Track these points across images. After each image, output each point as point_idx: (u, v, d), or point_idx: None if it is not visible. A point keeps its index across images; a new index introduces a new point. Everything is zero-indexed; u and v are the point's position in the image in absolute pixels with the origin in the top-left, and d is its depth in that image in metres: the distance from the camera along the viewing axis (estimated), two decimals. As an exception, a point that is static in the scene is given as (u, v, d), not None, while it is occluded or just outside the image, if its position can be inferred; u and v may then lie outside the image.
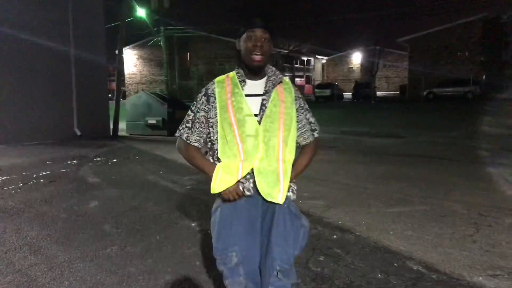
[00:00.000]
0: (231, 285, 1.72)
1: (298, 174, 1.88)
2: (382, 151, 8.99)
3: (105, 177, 6.35)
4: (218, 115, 1.77)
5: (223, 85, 1.82)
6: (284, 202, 1.75)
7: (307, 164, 1.92)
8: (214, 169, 1.78)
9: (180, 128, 1.89)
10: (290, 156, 1.81)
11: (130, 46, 41.23)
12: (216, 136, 1.80)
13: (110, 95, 19.82)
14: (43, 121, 10.35)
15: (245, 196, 1.75)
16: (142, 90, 25.82)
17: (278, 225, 1.72)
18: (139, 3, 22.13)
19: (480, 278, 2.91)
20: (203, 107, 1.84)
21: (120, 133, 12.49)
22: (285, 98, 1.82)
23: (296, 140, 1.88)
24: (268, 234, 1.72)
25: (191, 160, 1.88)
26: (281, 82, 1.85)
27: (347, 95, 38.85)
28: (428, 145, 9.63)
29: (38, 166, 7.10)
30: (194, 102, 1.89)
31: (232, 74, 1.87)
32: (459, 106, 22.70)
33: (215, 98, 1.81)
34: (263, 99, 1.79)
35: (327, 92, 36.82)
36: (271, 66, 1.91)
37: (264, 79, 1.85)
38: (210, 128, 1.83)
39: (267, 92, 1.80)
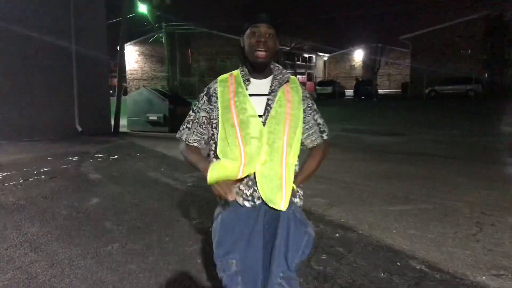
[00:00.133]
0: None
1: (306, 179, 1.79)
2: (384, 149, 8.96)
3: (106, 174, 6.34)
4: (220, 115, 1.69)
5: (226, 84, 1.75)
6: (289, 208, 1.67)
7: (316, 168, 1.82)
8: (209, 164, 1.69)
9: (181, 128, 1.83)
10: (294, 159, 1.72)
11: (132, 42, 41.17)
12: (219, 137, 1.72)
13: (111, 91, 19.80)
14: (44, 117, 10.33)
15: (239, 204, 1.67)
16: (144, 86, 25.77)
17: (282, 231, 1.65)
18: (141, -1, 22.08)
19: (484, 277, 2.88)
20: (205, 107, 1.77)
21: (121, 130, 12.47)
22: (292, 98, 1.73)
23: (303, 143, 1.80)
24: (272, 241, 1.66)
25: (187, 158, 1.80)
26: (287, 81, 1.76)
27: (349, 92, 38.77)
28: (430, 143, 9.59)
29: (39, 162, 7.09)
30: (196, 102, 1.82)
31: (236, 72, 1.79)
32: (461, 104, 22.62)
33: (217, 98, 1.73)
34: (268, 99, 1.70)
35: (329, 89, 36.74)
36: (277, 64, 1.82)
37: (270, 78, 1.76)
38: (213, 130, 1.74)
39: (272, 92, 1.72)
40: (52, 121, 10.52)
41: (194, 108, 1.81)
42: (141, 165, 7.17)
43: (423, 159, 7.59)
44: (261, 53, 1.67)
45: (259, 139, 1.65)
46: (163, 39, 33.38)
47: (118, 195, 5.13)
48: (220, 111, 1.70)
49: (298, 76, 49.57)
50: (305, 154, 1.82)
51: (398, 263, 3.13)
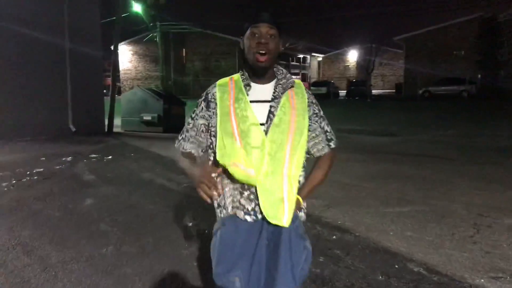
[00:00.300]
0: None
1: (312, 191, 1.66)
2: (379, 149, 8.97)
3: (100, 175, 6.27)
4: (218, 123, 1.58)
5: (226, 89, 1.62)
6: (293, 223, 1.56)
7: (323, 179, 1.69)
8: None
9: (179, 138, 1.72)
10: (296, 171, 1.59)
11: (125, 41, 40.91)
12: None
13: (105, 91, 19.68)
14: (36, 117, 10.20)
15: (240, 218, 1.57)
16: (137, 86, 25.65)
17: (285, 246, 1.54)
18: (135, -2, 21.97)
19: (482, 280, 2.87)
20: (203, 113, 1.65)
21: (115, 129, 12.37)
22: (297, 104, 1.61)
23: (309, 152, 1.69)
24: (274, 257, 1.55)
25: (180, 164, 1.68)
26: (292, 86, 1.64)
27: (343, 93, 38.90)
28: (425, 144, 9.62)
29: (31, 162, 6.99)
30: (195, 108, 1.70)
31: (237, 76, 1.66)
32: (455, 105, 22.74)
33: (216, 104, 1.61)
34: (271, 106, 1.58)
35: (323, 90, 36.76)
36: (281, 68, 1.69)
37: (273, 83, 1.64)
38: (212, 138, 1.62)
39: (275, 98, 1.59)
40: (45, 121, 10.40)
41: (193, 115, 1.69)
42: (135, 165, 7.11)
43: (419, 159, 7.60)
44: (262, 57, 1.55)
45: (261, 149, 1.53)
46: (157, 39, 33.30)
47: (113, 197, 5.07)
48: (218, 119, 1.58)
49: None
50: (310, 163, 1.71)
51: (396, 266, 3.11)
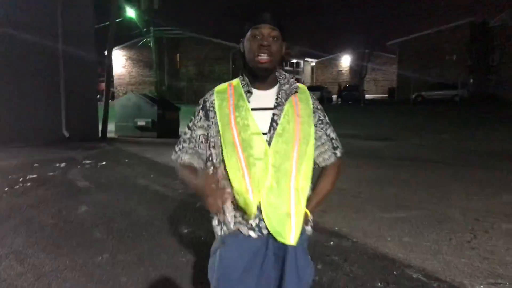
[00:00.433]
0: None
1: (320, 203, 1.58)
2: (374, 154, 8.98)
3: (94, 181, 6.20)
4: (221, 133, 1.46)
5: (224, 96, 1.51)
6: (300, 238, 1.46)
7: (330, 190, 1.60)
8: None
9: (176, 149, 1.59)
10: (304, 183, 1.49)
11: (119, 46, 40.80)
12: (218, 159, 1.48)
13: (98, 96, 19.58)
14: (30, 122, 10.09)
15: (244, 234, 1.46)
16: (131, 91, 25.55)
17: (291, 263, 1.46)
18: (129, 3, 21.93)
19: (482, 286, 2.86)
20: (202, 123, 1.53)
21: (109, 135, 12.29)
22: (301, 111, 1.51)
23: (315, 161, 1.58)
24: (280, 274, 1.47)
25: (181, 177, 1.58)
26: (296, 91, 1.54)
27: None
28: (420, 148, 9.66)
29: (24, 169, 6.90)
30: (192, 117, 1.58)
31: (236, 82, 1.55)
32: (448, 109, 22.89)
33: (215, 113, 1.50)
34: (273, 114, 1.47)
35: (317, 94, 36.84)
36: (283, 72, 1.59)
37: (275, 89, 1.54)
38: (211, 149, 1.51)
39: (278, 105, 1.48)
40: (38, 126, 10.29)
41: (190, 125, 1.57)
42: (130, 171, 7.04)
43: (414, 164, 7.62)
44: (264, 58, 1.43)
45: (264, 161, 1.42)
46: (151, 44, 33.23)
47: (107, 203, 5.01)
48: (220, 129, 1.47)
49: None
50: (314, 173, 1.62)
51: (395, 272, 3.09)
